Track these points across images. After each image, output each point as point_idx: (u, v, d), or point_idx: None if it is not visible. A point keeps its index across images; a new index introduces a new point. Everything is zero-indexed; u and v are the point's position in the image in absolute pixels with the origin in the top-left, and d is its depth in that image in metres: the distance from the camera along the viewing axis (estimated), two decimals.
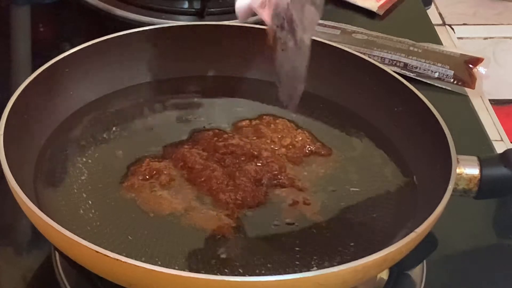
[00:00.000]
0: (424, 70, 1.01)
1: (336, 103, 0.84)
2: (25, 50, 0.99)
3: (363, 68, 0.83)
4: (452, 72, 1.01)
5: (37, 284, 0.72)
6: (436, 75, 1.01)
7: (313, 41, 0.68)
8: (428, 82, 1.00)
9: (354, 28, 1.07)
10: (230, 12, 1.04)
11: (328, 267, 0.60)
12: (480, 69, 1.02)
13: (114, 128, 0.80)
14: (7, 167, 0.65)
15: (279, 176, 0.74)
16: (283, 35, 0.67)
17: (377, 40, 1.04)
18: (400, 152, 0.78)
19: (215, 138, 0.77)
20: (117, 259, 0.58)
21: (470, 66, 1.02)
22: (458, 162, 0.71)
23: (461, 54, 1.04)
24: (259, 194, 0.72)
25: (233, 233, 0.69)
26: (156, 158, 0.75)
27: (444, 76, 1.01)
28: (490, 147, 0.91)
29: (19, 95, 0.73)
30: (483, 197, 0.74)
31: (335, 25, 1.07)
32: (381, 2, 1.14)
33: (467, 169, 0.72)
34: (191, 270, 0.60)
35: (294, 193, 0.73)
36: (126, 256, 0.59)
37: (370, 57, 0.88)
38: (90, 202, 0.71)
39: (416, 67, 1.01)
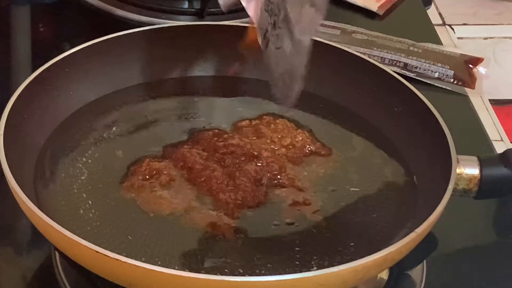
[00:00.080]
0: (424, 70, 1.01)
1: (336, 103, 0.84)
2: (25, 50, 0.99)
3: (363, 68, 0.83)
4: (452, 72, 1.01)
5: (37, 284, 0.72)
6: (436, 75, 1.01)
7: (313, 41, 0.68)
8: (428, 82, 1.00)
9: (354, 28, 1.07)
10: (230, 12, 1.04)
11: (328, 267, 0.60)
12: (480, 69, 1.02)
13: (114, 128, 0.80)
14: (7, 167, 0.65)
15: (279, 176, 0.74)
16: (275, 33, 0.67)
17: (377, 40, 1.04)
18: (400, 152, 0.78)
19: (215, 138, 0.77)
20: (117, 259, 0.58)
21: (470, 66, 1.02)
22: (458, 162, 0.71)
23: (461, 54, 1.04)
24: (259, 194, 0.72)
25: (233, 233, 0.69)
26: (156, 158, 0.75)
27: (444, 76, 1.01)
28: (490, 147, 0.91)
29: (19, 95, 0.73)
30: (483, 197, 0.74)
31: (335, 25, 1.07)
32: (381, 2, 1.14)
33: (467, 169, 0.72)
34: (191, 270, 0.60)
35: (294, 193, 0.73)
36: (126, 256, 0.59)
37: (370, 57, 0.88)
38: (90, 202, 0.71)
39: (416, 67, 1.01)
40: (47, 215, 0.62)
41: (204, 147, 0.76)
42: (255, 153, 0.75)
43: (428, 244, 0.71)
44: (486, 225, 0.82)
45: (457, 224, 0.78)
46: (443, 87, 1.00)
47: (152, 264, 0.58)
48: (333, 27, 1.06)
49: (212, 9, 1.04)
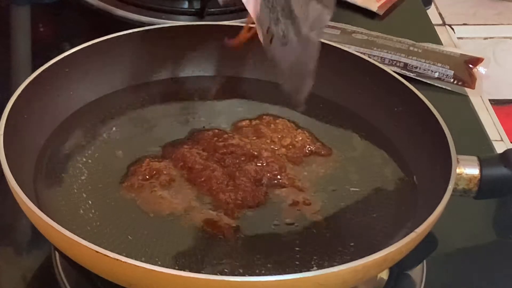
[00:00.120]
0: (424, 70, 1.01)
1: (336, 103, 0.84)
2: (25, 50, 0.99)
3: (363, 68, 0.83)
4: (452, 72, 1.01)
5: (37, 284, 0.72)
6: (436, 75, 1.01)
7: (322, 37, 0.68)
8: (428, 82, 1.00)
9: (354, 28, 1.07)
10: (230, 12, 1.05)
11: (328, 267, 0.60)
12: (480, 69, 1.02)
13: (114, 128, 0.80)
14: (7, 167, 0.65)
15: (279, 176, 0.74)
16: (280, 29, 0.67)
17: (377, 40, 1.04)
18: (400, 152, 0.78)
19: (215, 138, 0.77)
20: (117, 259, 0.58)
21: (470, 66, 1.02)
22: (458, 162, 0.71)
23: (461, 54, 1.04)
24: (259, 194, 0.72)
25: (233, 233, 0.69)
26: (156, 158, 0.75)
27: (444, 76, 1.01)
28: (490, 147, 0.91)
29: (19, 95, 0.73)
30: (483, 197, 0.74)
31: (335, 25, 1.07)
32: (381, 2, 1.14)
33: (467, 169, 0.72)
34: (191, 270, 0.60)
35: (294, 193, 0.73)
36: (126, 256, 0.59)
37: (370, 57, 0.88)
38: (90, 202, 0.71)
39: (416, 67, 1.01)
40: (47, 215, 0.62)
41: (204, 147, 0.76)
42: (255, 153, 0.75)
43: (428, 244, 0.71)
44: (486, 225, 0.82)
45: (457, 224, 0.78)
46: (443, 87, 1.00)
47: (152, 264, 0.58)
48: (333, 27, 1.06)
49: (212, 9, 1.04)
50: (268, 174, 0.74)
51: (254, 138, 0.78)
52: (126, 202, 0.71)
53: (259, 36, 0.69)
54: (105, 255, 0.59)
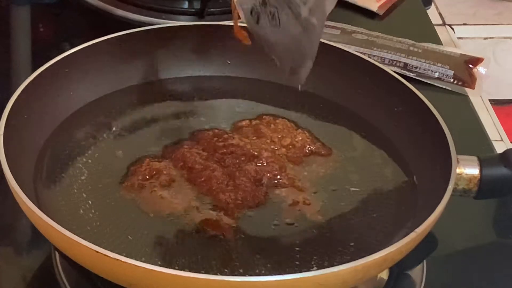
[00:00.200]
0: (424, 70, 1.01)
1: (336, 103, 0.84)
2: (25, 50, 0.99)
3: (363, 68, 0.83)
4: (452, 72, 1.01)
5: (37, 284, 0.72)
6: (436, 75, 1.01)
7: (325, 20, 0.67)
8: (428, 82, 1.00)
9: (354, 28, 1.07)
10: (230, 12, 1.04)
11: (328, 267, 0.60)
12: (480, 69, 1.02)
13: (114, 128, 0.80)
14: (7, 167, 0.65)
15: (279, 176, 0.74)
16: (266, 10, 0.66)
17: (377, 40, 1.04)
18: (400, 152, 0.78)
19: (215, 138, 0.77)
20: (117, 259, 0.58)
21: (470, 66, 1.02)
22: (458, 162, 0.71)
23: (461, 54, 1.04)
24: (259, 194, 0.72)
25: (233, 233, 0.69)
26: (156, 158, 0.75)
27: (444, 76, 1.01)
28: (490, 147, 0.91)
29: (19, 95, 0.73)
30: (483, 197, 0.74)
31: (335, 25, 1.07)
32: (381, 2, 1.14)
33: (467, 169, 0.72)
34: (191, 270, 0.60)
35: (294, 193, 0.73)
36: (126, 256, 0.59)
37: (370, 57, 0.88)
38: (90, 202, 0.71)
39: (416, 67, 1.01)
40: (47, 215, 0.62)
41: (204, 147, 0.76)
42: (255, 153, 0.75)
43: (428, 244, 0.71)
44: (486, 225, 0.82)
45: (457, 224, 0.78)
46: (443, 87, 1.00)
47: (152, 264, 0.58)
48: (333, 27, 1.06)
49: (212, 9, 1.04)
50: (268, 174, 0.74)
51: (254, 138, 0.78)
52: (126, 202, 0.71)
53: (240, 16, 0.69)
54: (105, 255, 0.59)
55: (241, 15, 0.69)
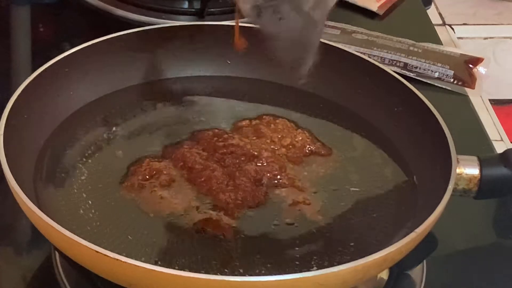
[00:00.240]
0: (424, 70, 1.01)
1: (336, 103, 0.84)
2: (25, 50, 0.99)
3: (363, 68, 0.83)
4: (452, 72, 1.01)
5: (37, 284, 0.72)
6: (436, 75, 1.01)
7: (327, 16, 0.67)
8: (428, 82, 1.00)
9: (354, 28, 1.07)
10: (230, 12, 1.04)
11: (328, 267, 0.60)
12: (480, 69, 1.02)
13: (114, 128, 0.80)
14: (7, 167, 0.65)
15: (279, 176, 0.74)
16: (269, 4, 0.66)
17: (377, 40, 1.04)
18: (400, 152, 0.78)
19: (215, 138, 0.77)
20: (117, 259, 0.58)
21: (470, 66, 1.02)
22: (458, 162, 0.71)
23: (461, 54, 1.04)
24: (259, 194, 0.72)
25: (233, 233, 0.69)
26: (156, 158, 0.75)
27: (444, 76, 1.01)
28: (490, 147, 0.91)
29: (19, 95, 0.73)
30: (483, 197, 0.74)
31: (335, 25, 1.07)
32: (381, 2, 1.14)
33: (467, 169, 0.72)
34: (191, 270, 0.60)
35: (294, 193, 0.73)
36: (126, 256, 0.59)
37: (370, 57, 0.88)
38: (90, 202, 0.71)
39: (416, 67, 1.01)
40: (47, 215, 0.62)
41: (204, 147, 0.76)
42: (255, 153, 0.75)
43: (428, 244, 0.71)
44: (486, 225, 0.82)
45: (457, 224, 0.78)
46: (443, 87, 1.00)
47: (152, 264, 0.58)
48: (333, 27, 1.06)
49: (212, 9, 1.04)
50: (268, 174, 0.74)
51: (254, 138, 0.78)
52: (126, 202, 0.71)
53: (241, 10, 0.69)
54: (105, 255, 0.59)
55: (243, 10, 0.69)
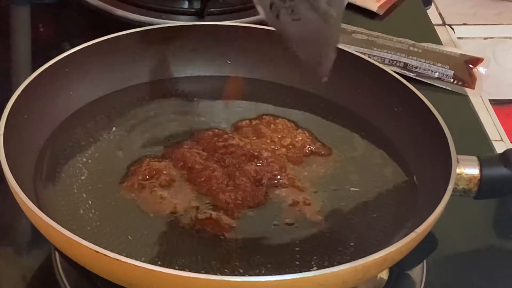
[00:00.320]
0: (424, 70, 1.01)
1: (336, 103, 0.84)
2: (25, 50, 0.99)
3: (363, 68, 0.83)
4: (452, 72, 1.01)
5: (37, 284, 0.72)
6: (436, 75, 1.01)
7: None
8: (428, 82, 1.00)
9: (354, 28, 1.07)
10: (230, 12, 1.05)
11: (328, 267, 0.60)
12: (480, 69, 1.02)
13: (114, 128, 0.80)
14: (7, 167, 0.65)
15: (279, 176, 0.74)
16: (286, 5, 0.67)
17: (377, 40, 1.04)
18: (400, 152, 0.78)
19: (215, 138, 0.77)
20: (117, 259, 0.58)
21: (470, 66, 1.02)
22: (458, 162, 0.71)
23: (461, 54, 1.04)
24: (259, 194, 0.72)
25: (233, 233, 0.69)
26: (156, 158, 0.75)
27: (444, 76, 1.01)
28: (490, 147, 0.91)
29: (19, 95, 0.73)
30: (483, 197, 0.74)
31: None
32: (381, 2, 1.14)
33: (467, 169, 0.72)
34: (191, 270, 0.60)
35: (294, 193, 0.73)
36: (126, 256, 0.59)
37: (370, 57, 0.88)
38: (90, 202, 0.71)
39: (416, 67, 1.01)
40: (47, 215, 0.62)
41: (204, 147, 0.76)
42: (255, 153, 0.75)
43: (428, 244, 0.71)
44: (486, 225, 0.82)
45: (457, 224, 0.78)
46: (443, 87, 1.00)
47: (152, 264, 0.58)
48: None
49: (212, 9, 1.04)
50: (268, 174, 0.74)
51: (254, 138, 0.78)
52: (126, 202, 0.71)
53: (260, 13, 0.69)
54: (105, 255, 0.59)
55: (260, 11, 0.69)
